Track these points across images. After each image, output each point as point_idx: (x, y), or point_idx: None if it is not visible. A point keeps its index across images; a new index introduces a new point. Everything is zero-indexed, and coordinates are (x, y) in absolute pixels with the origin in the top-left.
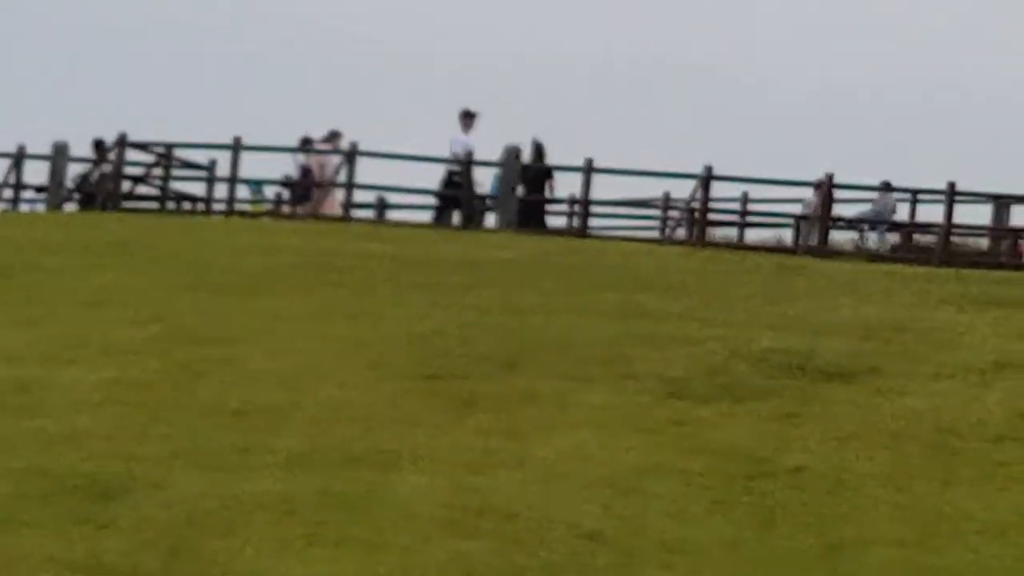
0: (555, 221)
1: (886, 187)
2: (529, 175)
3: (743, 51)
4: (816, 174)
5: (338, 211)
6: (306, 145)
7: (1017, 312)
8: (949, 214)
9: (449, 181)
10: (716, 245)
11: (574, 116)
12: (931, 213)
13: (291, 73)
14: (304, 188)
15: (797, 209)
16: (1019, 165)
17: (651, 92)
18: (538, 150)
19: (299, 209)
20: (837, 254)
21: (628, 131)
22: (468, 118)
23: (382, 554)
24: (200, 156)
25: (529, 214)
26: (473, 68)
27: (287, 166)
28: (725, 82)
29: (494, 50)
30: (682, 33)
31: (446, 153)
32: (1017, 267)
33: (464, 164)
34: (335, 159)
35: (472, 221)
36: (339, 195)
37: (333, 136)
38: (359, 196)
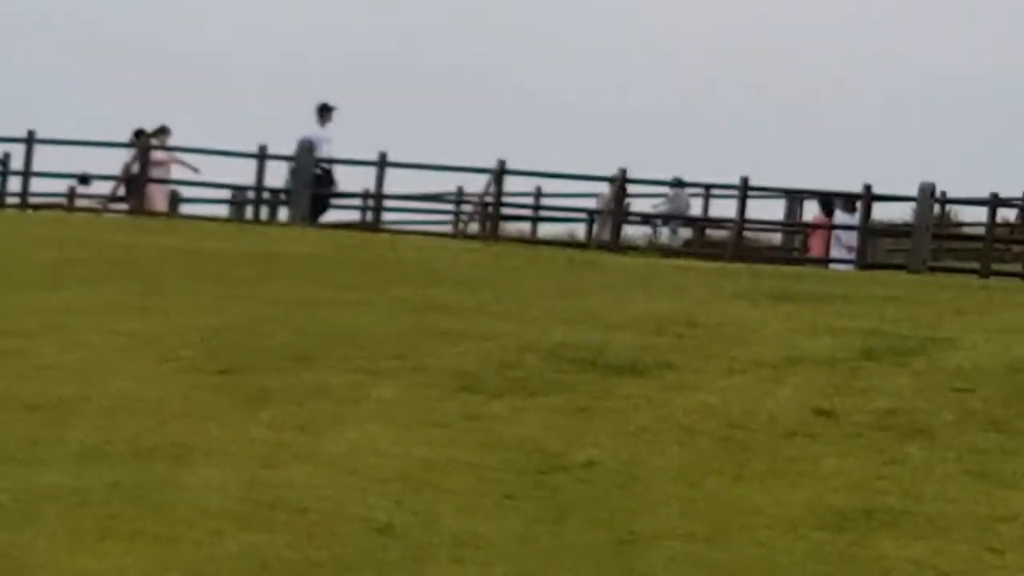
0: (346, 215)
1: (678, 183)
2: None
3: (546, 54)
4: (610, 170)
5: (163, 207)
6: (139, 138)
7: (809, 307)
8: (742, 209)
9: (317, 177)
10: (509, 239)
11: (368, 113)
12: (724, 208)
13: (87, 71)
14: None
15: (590, 204)
16: (810, 160)
17: (446, 91)
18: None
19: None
20: (630, 249)
21: (423, 129)
22: (325, 112)
23: (175, 547)
24: None
25: (313, 207)
26: (266, 66)
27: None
28: (518, 83)
29: (284, 47)
30: (476, 34)
31: (279, 148)
32: (807, 261)
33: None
34: (162, 155)
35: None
36: (164, 190)
37: (162, 131)
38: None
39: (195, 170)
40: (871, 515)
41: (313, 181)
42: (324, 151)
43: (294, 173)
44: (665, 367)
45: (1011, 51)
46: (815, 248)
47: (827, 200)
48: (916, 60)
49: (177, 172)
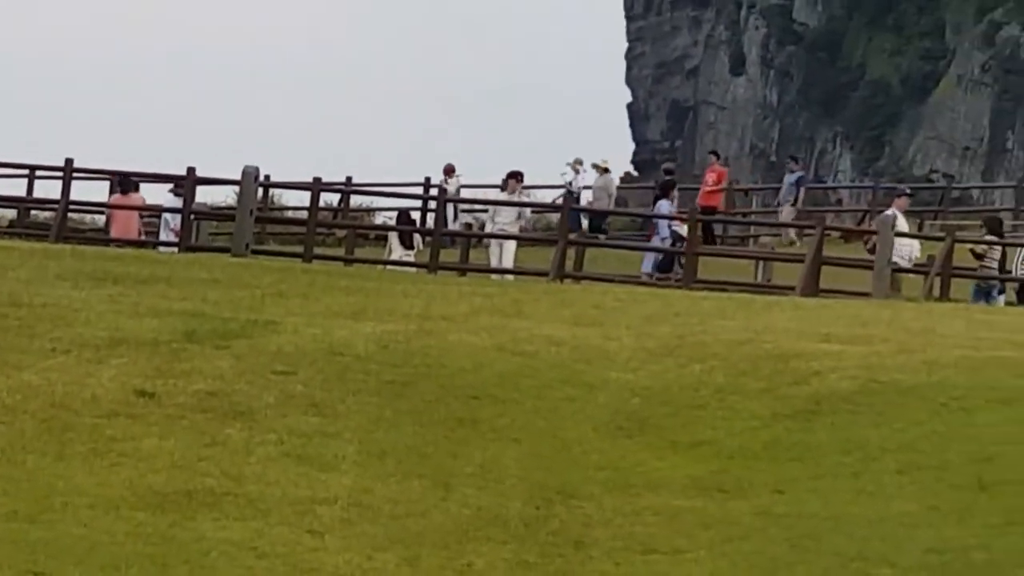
0: None
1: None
2: None
3: None
4: None
5: None
6: None
7: (133, 289)
8: (66, 191)
9: None
10: None
11: None
12: (49, 189)
13: None
14: None
15: None
16: (134, 143)
17: None
18: None
19: None
20: None
21: None
22: None
23: None
24: None
25: None
26: None
27: None
28: None
29: None
30: None
31: None
32: (127, 243)
33: None
34: None
35: None
36: None
37: None
38: None
39: None
40: (192, 496)
41: None
42: None
43: None
44: None
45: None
46: (115, 229)
47: (125, 181)
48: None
49: None
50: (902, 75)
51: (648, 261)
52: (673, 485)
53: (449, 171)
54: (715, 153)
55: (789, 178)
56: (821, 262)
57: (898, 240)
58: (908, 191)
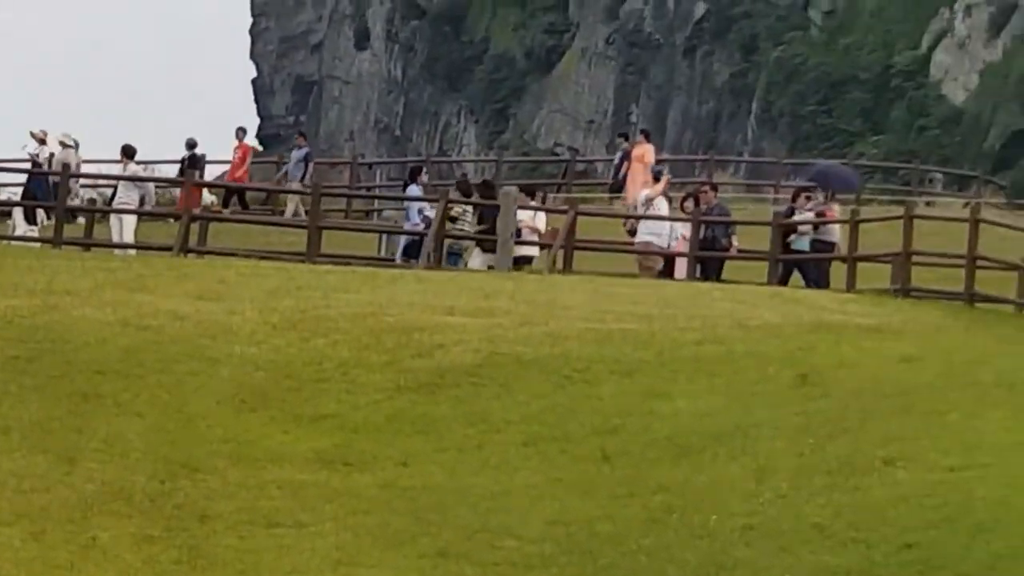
0: None
1: None
2: None
3: None
4: None
5: None
6: None
7: None
8: None
9: None
10: None
11: None
12: None
13: None
14: None
15: None
16: None
17: None
18: None
19: None
20: None
21: None
22: None
23: None
24: None
25: None
26: None
27: None
28: None
29: None
30: None
31: None
32: None
33: None
34: None
35: None
36: None
37: None
38: None
39: None
40: None
41: None
42: None
43: None
44: None
45: None
46: None
47: None
48: None
49: None
50: (526, 49)
51: (399, 247)
52: (297, 458)
53: (40, 139)
54: (242, 129)
55: (297, 154)
56: (444, 236)
57: (658, 222)
58: (666, 171)
